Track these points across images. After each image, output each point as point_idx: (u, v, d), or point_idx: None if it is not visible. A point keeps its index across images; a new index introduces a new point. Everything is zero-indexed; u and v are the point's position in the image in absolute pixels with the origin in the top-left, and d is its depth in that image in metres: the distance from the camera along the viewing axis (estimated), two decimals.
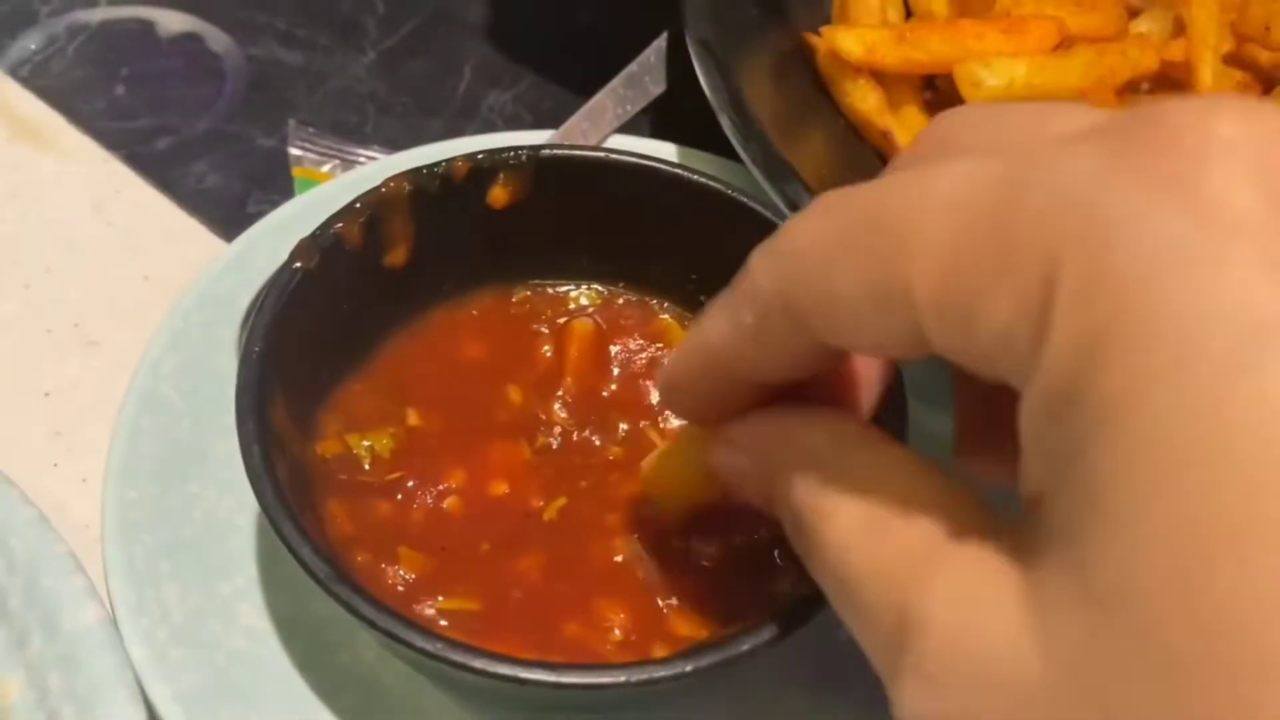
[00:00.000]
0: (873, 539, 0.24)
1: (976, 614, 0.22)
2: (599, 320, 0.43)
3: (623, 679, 0.30)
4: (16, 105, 0.56)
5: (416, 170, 0.40)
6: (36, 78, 0.57)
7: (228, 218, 0.51)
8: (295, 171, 0.52)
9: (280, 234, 0.46)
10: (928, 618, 0.22)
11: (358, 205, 0.39)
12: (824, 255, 0.24)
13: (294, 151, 0.52)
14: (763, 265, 0.27)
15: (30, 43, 0.58)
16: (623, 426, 0.41)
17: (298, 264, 0.38)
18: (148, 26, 0.60)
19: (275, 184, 0.53)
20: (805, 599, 0.32)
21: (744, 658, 0.30)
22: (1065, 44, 0.48)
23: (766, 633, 0.31)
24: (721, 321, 0.28)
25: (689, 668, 0.30)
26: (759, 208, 0.40)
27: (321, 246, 0.38)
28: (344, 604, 0.31)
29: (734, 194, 0.41)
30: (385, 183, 0.40)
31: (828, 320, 0.25)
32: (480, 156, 0.41)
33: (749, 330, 0.27)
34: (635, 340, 0.43)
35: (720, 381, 0.29)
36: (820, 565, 0.26)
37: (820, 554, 0.26)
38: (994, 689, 0.21)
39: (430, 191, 0.40)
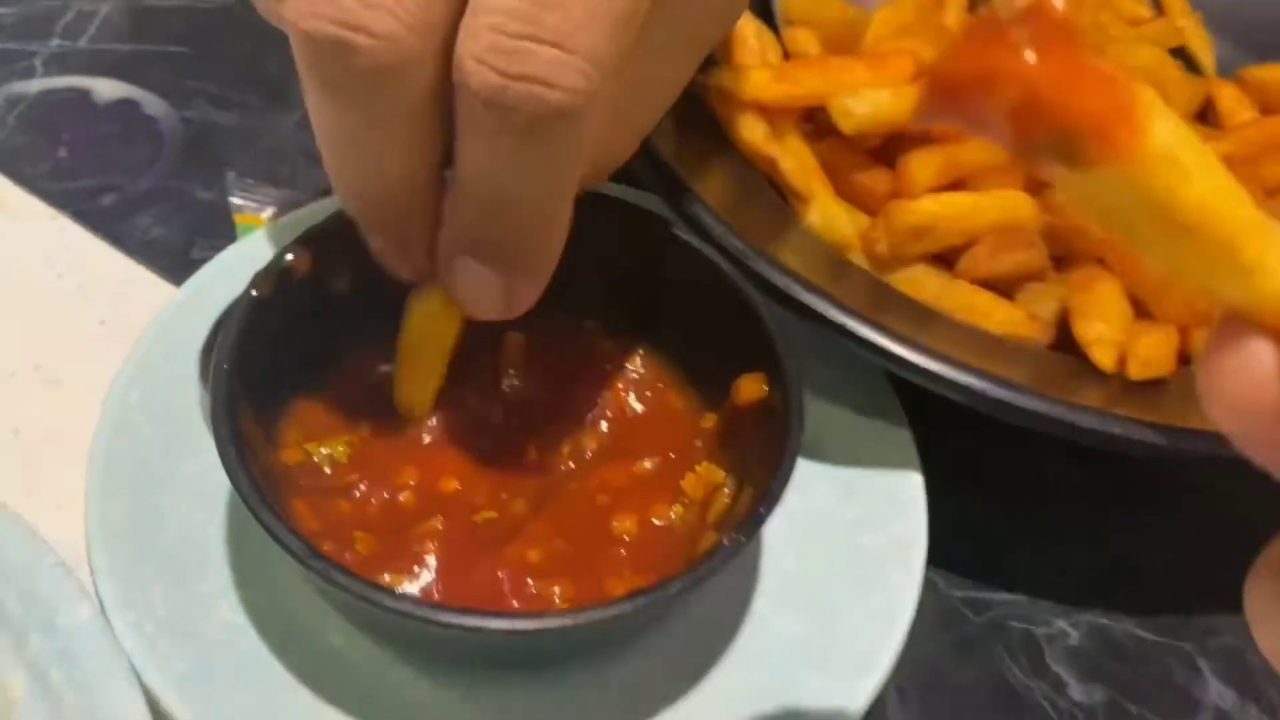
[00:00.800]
0: None
1: None
2: (533, 334, 0.47)
3: (570, 621, 0.35)
4: None
5: None
6: None
7: (174, 264, 0.55)
8: (238, 219, 0.56)
9: (227, 274, 0.50)
10: None
11: (306, 238, 0.44)
12: None
13: (235, 200, 0.57)
14: None
15: None
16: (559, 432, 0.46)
17: (254, 292, 0.42)
18: (83, 95, 0.64)
19: (217, 232, 0.57)
20: (727, 546, 0.37)
21: (681, 594, 0.35)
22: (924, 74, 0.55)
23: (695, 575, 0.36)
24: None
25: (629, 607, 0.35)
26: (679, 233, 0.46)
27: (275, 277, 0.43)
28: (319, 574, 0.35)
29: (644, 210, 0.46)
30: (331, 217, 0.44)
31: None
32: None
33: None
34: (566, 351, 0.48)
35: None
36: None
37: None
38: None
39: None
